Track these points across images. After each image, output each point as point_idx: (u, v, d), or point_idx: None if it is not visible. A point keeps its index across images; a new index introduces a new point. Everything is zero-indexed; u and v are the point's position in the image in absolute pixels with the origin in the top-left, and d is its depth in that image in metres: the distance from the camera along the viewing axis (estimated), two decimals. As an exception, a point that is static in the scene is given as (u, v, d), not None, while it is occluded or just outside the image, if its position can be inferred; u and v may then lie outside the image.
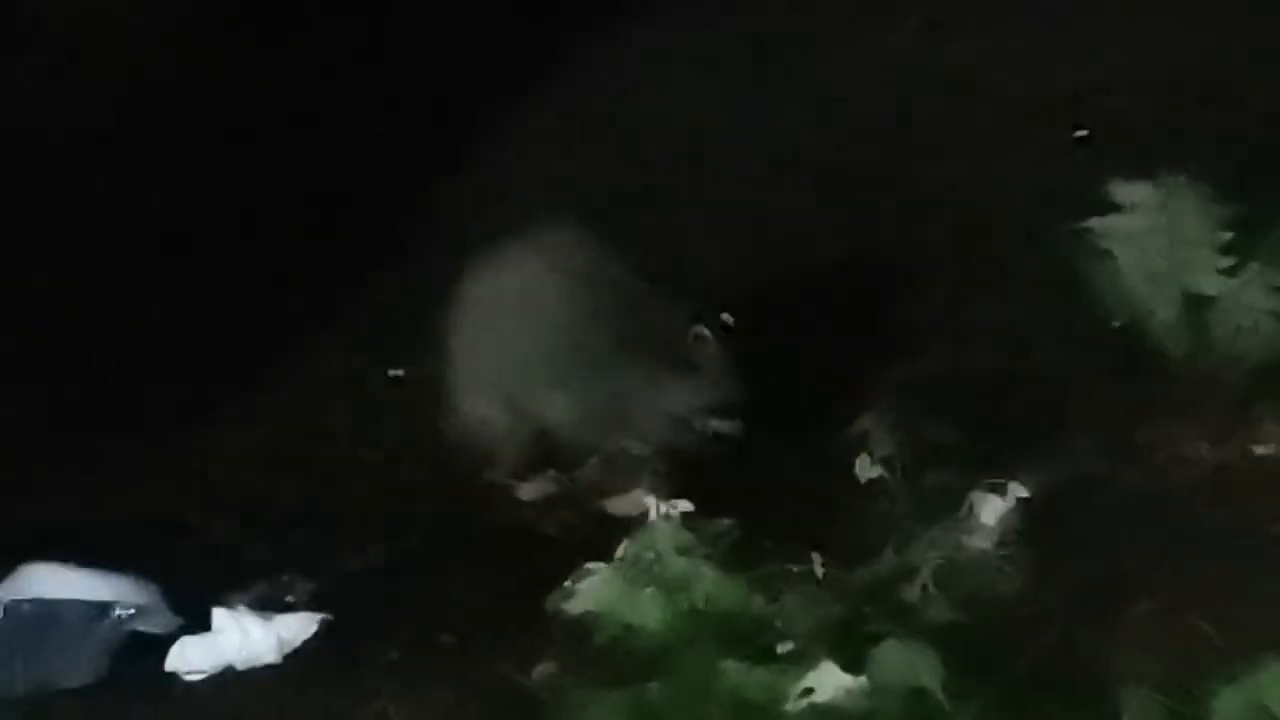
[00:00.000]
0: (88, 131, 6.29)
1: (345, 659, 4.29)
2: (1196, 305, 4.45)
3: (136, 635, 4.46)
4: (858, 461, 4.25)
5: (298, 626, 4.43)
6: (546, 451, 4.80)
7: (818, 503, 4.25)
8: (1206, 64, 5.70)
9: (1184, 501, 4.09)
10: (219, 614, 4.42)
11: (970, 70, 6.07)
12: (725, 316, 4.75)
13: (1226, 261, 4.43)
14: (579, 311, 4.70)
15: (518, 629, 4.06)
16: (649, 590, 3.85)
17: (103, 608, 4.45)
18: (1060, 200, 4.82)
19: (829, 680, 3.57)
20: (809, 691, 3.57)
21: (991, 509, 4.03)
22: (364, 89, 6.54)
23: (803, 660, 3.65)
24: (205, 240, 6.06)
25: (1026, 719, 3.49)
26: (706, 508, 4.03)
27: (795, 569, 3.90)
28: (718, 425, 4.74)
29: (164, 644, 4.43)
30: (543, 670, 3.95)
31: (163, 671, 4.39)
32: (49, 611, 4.46)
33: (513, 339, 4.74)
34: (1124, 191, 4.49)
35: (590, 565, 3.95)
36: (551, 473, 4.80)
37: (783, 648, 3.72)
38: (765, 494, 4.34)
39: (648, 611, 3.82)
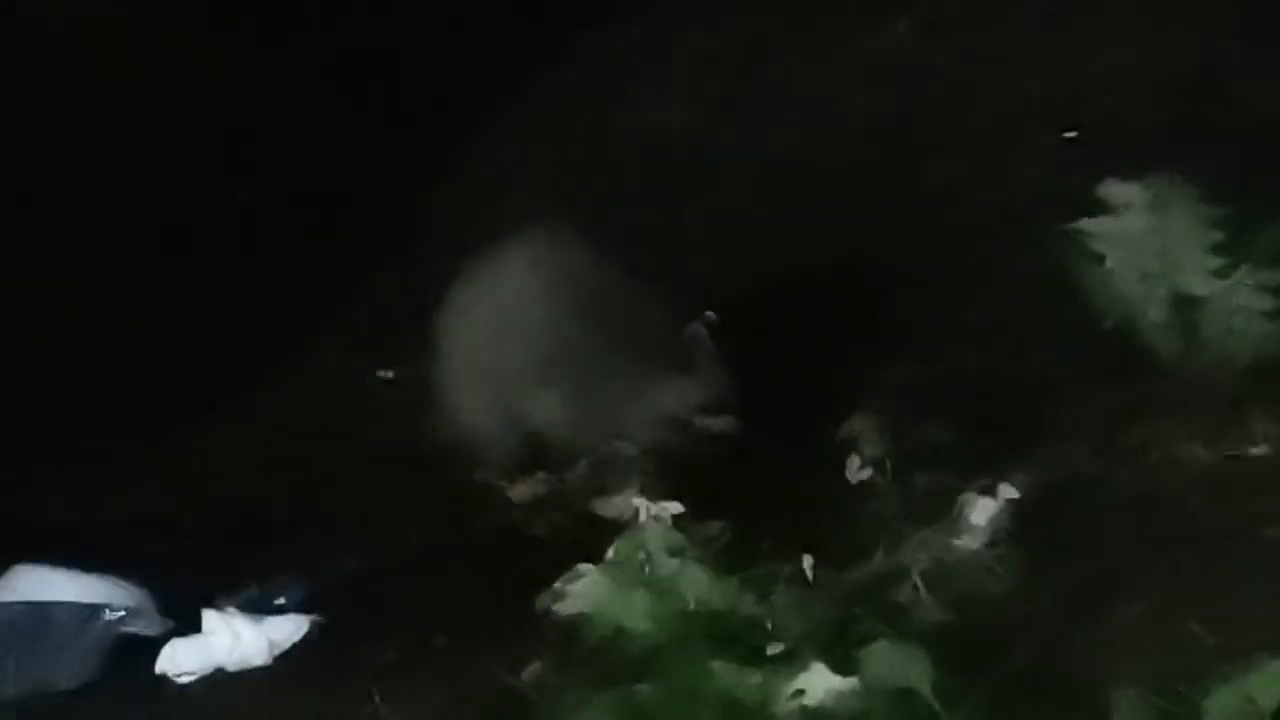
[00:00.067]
0: (88, 131, 6.29)
1: (336, 661, 4.30)
2: (1188, 306, 4.42)
3: (127, 637, 4.48)
4: (847, 462, 4.26)
5: (289, 628, 4.44)
6: (537, 452, 4.79)
7: (809, 504, 4.23)
8: (1204, 65, 5.68)
9: (1176, 502, 4.06)
10: (209, 616, 4.43)
11: (968, 71, 6.05)
12: (709, 314, 4.75)
13: (1218, 262, 4.39)
14: (573, 312, 4.70)
15: (509, 630, 4.06)
16: (639, 591, 3.83)
17: (93, 610, 4.47)
18: (1056, 201, 4.81)
19: (820, 681, 3.55)
20: (800, 693, 3.55)
21: (982, 510, 4.02)
22: (364, 89, 6.54)
23: (793, 661, 3.62)
24: (205, 240, 6.07)
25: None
26: (697, 509, 4.01)
27: (786, 570, 3.89)
28: (713, 424, 4.74)
29: (155, 646, 4.44)
30: (533, 671, 3.95)
31: (153, 674, 4.40)
32: (40, 613, 4.48)
33: (505, 339, 4.74)
34: (1116, 192, 4.47)
35: (581, 566, 3.93)
36: (542, 474, 4.79)
37: (773, 649, 3.69)
38: (757, 495, 4.32)
39: (638, 613, 3.80)
